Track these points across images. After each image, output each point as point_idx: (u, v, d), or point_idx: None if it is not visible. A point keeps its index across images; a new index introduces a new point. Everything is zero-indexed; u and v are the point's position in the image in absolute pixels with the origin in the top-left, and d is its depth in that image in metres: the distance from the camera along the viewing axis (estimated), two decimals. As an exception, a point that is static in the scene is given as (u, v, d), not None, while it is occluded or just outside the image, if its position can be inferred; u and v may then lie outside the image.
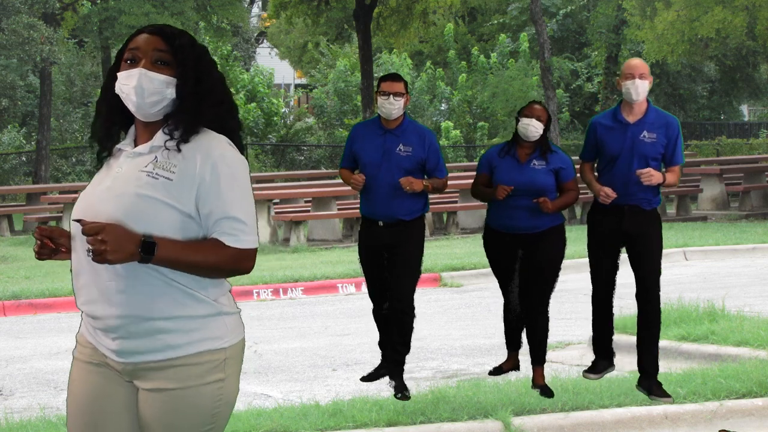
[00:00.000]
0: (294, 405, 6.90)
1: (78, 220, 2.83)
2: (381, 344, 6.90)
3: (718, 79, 39.20)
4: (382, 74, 35.00)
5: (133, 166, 2.96)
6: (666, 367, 7.26)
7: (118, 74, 2.99)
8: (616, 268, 6.58)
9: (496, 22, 40.49)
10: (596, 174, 6.62)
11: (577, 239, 9.08)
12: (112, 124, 3.06)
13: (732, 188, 22.70)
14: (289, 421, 6.41)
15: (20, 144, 33.67)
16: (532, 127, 6.42)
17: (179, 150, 2.93)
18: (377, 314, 6.80)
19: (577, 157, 6.84)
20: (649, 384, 6.53)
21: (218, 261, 2.89)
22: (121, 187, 2.93)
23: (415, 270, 6.68)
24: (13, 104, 32.41)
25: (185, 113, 2.97)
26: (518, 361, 6.97)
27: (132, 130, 3.07)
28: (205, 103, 3.00)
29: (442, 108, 36.92)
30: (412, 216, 6.61)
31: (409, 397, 6.65)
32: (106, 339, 2.99)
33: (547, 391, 6.63)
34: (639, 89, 6.32)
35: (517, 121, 6.52)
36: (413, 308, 6.66)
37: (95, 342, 3.03)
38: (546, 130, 6.51)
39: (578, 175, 6.71)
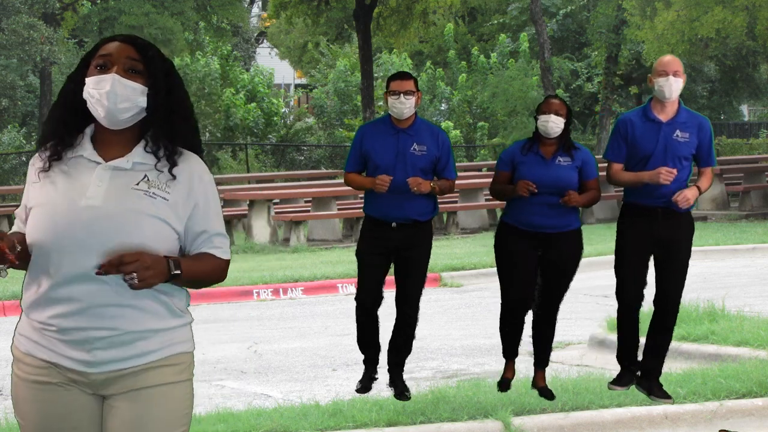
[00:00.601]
0: (294, 405, 6.90)
1: (101, 266, 2.84)
2: (364, 344, 6.69)
3: (718, 79, 39.19)
4: (383, 74, 35.22)
5: (121, 182, 2.96)
6: (666, 367, 7.25)
7: (88, 79, 2.97)
8: (646, 275, 6.30)
9: (496, 22, 40.49)
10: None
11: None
12: (68, 128, 3.02)
13: (732, 188, 22.71)
14: (289, 421, 6.41)
15: (20, 144, 33.66)
16: (552, 123, 6.16)
17: (174, 177, 2.99)
18: (365, 315, 6.55)
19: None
20: (650, 385, 6.47)
21: (213, 273, 3.07)
22: (117, 205, 2.93)
23: (425, 274, 6.60)
24: (13, 104, 32.41)
25: (161, 128, 3.00)
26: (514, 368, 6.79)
27: (88, 137, 3.03)
28: (176, 117, 3.03)
29: (442, 108, 36.92)
30: (426, 217, 6.47)
31: (410, 398, 6.63)
32: (76, 351, 2.94)
33: (547, 393, 6.59)
34: (673, 87, 6.05)
35: (536, 119, 6.28)
36: (418, 312, 6.60)
37: (52, 357, 2.97)
38: (567, 123, 6.25)
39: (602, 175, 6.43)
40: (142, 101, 2.97)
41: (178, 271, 2.91)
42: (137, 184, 2.96)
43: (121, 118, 2.96)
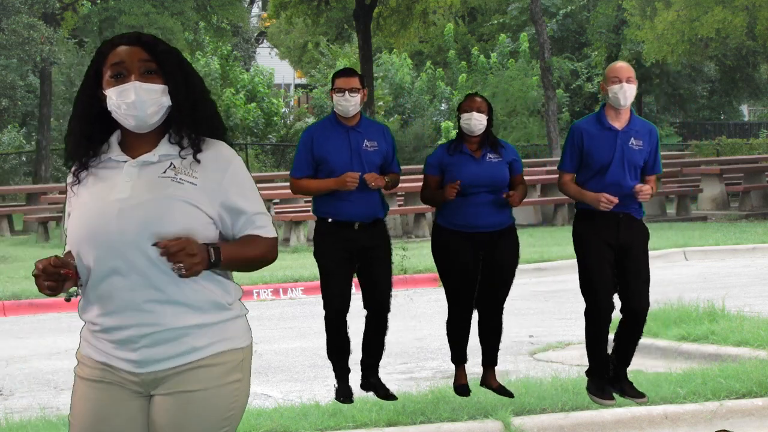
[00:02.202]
0: (294, 405, 6.90)
1: (155, 244, 2.84)
2: (337, 352, 6.54)
3: (718, 79, 39.19)
4: (383, 74, 35.23)
5: (148, 174, 2.97)
6: (666, 367, 7.25)
7: (109, 92, 2.96)
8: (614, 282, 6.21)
9: (496, 22, 40.49)
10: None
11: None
12: (92, 141, 3.03)
13: (732, 188, 22.69)
14: (289, 421, 6.41)
15: (20, 144, 33.68)
16: (475, 120, 6.17)
17: (199, 161, 2.99)
18: (337, 322, 6.42)
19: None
20: (622, 385, 6.46)
21: (261, 254, 3.03)
22: (144, 194, 2.93)
23: (391, 270, 6.56)
24: (13, 104, 32.38)
25: (184, 120, 3.00)
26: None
27: (115, 141, 3.04)
28: (198, 104, 3.03)
29: (442, 108, 36.91)
30: (383, 213, 6.42)
31: (396, 398, 6.58)
32: (124, 352, 2.95)
33: (505, 392, 6.54)
34: (627, 94, 6.02)
35: (459, 118, 6.28)
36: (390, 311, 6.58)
37: (105, 358, 2.99)
38: (490, 120, 6.25)
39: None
40: (166, 101, 2.97)
41: (218, 258, 2.89)
42: (164, 172, 2.97)
43: (151, 122, 2.97)
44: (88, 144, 3.01)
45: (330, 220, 6.32)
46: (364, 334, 6.56)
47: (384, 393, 6.58)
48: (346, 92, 6.20)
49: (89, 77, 3.02)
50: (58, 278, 2.87)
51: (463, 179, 6.14)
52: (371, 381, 6.62)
